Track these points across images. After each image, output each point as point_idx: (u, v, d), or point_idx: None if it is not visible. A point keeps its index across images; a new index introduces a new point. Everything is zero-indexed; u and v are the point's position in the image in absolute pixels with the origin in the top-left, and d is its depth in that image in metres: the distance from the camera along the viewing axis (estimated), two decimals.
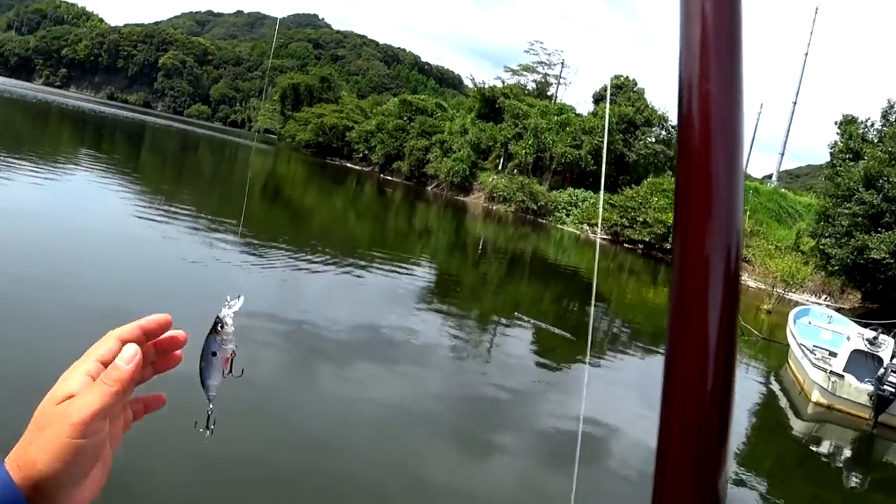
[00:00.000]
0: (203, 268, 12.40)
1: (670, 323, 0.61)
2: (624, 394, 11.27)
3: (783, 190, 59.14)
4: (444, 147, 48.30)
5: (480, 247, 27.41)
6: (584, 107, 65.89)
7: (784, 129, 60.89)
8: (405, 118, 53.06)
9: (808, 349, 14.44)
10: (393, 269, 16.35)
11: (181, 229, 15.71)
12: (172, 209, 17.93)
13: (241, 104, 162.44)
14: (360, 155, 54.53)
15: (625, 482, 7.48)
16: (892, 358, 13.19)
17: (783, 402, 13.44)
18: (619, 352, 14.36)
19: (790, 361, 16.12)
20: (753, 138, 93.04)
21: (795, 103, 59.19)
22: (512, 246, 30.25)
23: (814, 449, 11.43)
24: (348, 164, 54.88)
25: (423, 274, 17.60)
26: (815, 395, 12.81)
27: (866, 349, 13.12)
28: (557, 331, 13.63)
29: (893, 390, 11.50)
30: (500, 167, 47.29)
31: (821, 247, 27.56)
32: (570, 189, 44.76)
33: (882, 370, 11.77)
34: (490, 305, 16.15)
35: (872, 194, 24.52)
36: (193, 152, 48.69)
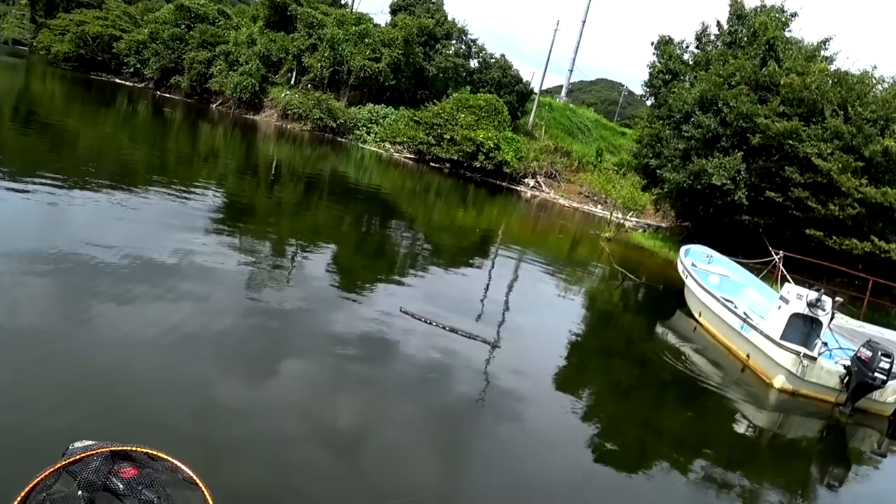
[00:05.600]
0: None
1: None
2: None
3: (572, 105, 60.42)
4: (230, 60, 43.22)
5: (274, 169, 24.84)
6: (381, 17, 62.93)
7: (573, 46, 61.83)
8: (182, 26, 46.88)
9: (746, 317, 12.88)
10: (175, 197, 14.80)
11: None
12: None
13: None
14: (132, 69, 47.84)
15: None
16: (830, 320, 12.04)
17: (730, 384, 11.41)
18: (420, 271, 13.93)
19: (704, 321, 14.39)
20: (549, 55, 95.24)
21: (585, 22, 60.07)
22: (310, 167, 27.75)
23: (795, 449, 9.59)
24: (118, 80, 47.95)
25: (210, 201, 15.65)
26: (780, 381, 11.16)
27: (806, 312, 11.70)
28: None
29: (884, 377, 10.11)
30: (292, 82, 43.34)
31: (657, 170, 27.04)
32: (370, 105, 42.04)
33: (869, 352, 10.32)
34: (285, 231, 14.65)
35: (710, 117, 24.09)
36: None
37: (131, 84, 47.54)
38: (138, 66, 47.34)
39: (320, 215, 17.98)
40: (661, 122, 27.85)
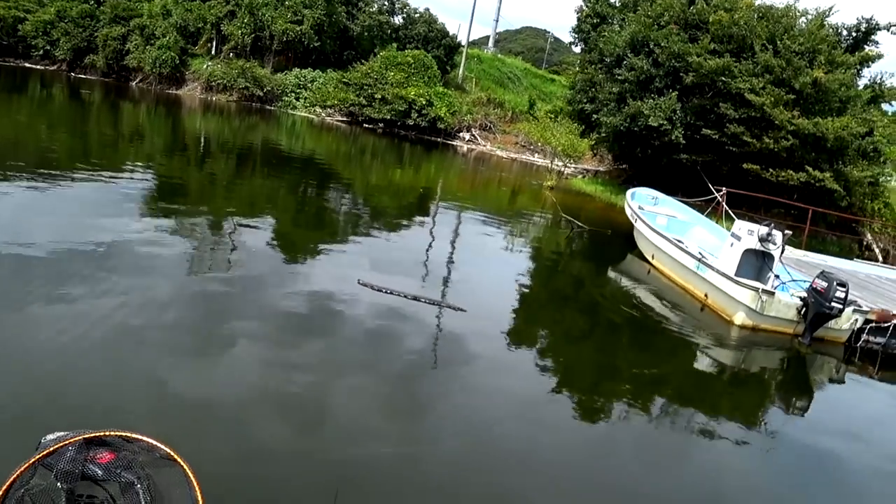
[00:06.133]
0: None
1: None
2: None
3: (500, 55, 59.99)
4: (146, 33, 41.33)
5: (203, 144, 24.03)
6: None
7: None
8: (92, 2, 44.60)
9: (701, 256, 12.93)
10: (103, 182, 14.18)
11: None
12: None
13: None
14: (41, 52, 45.41)
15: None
16: (781, 253, 12.15)
17: (690, 324, 11.43)
18: (366, 237, 13.80)
19: (658, 263, 14.39)
20: (474, 6, 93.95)
21: None
22: (240, 139, 27.05)
23: (759, 380, 9.75)
24: (27, 65, 45.55)
25: (140, 183, 15.02)
26: (741, 317, 11.24)
27: (758, 247, 11.82)
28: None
29: (841, 306, 10.33)
30: (214, 52, 41.84)
31: (593, 115, 26.88)
32: (297, 70, 40.88)
33: (824, 283, 10.48)
34: (221, 207, 14.12)
35: (642, 59, 23.94)
36: None
37: (42, 67, 45.23)
38: (48, 47, 44.95)
39: (256, 187, 17.44)
40: (593, 66, 27.76)
